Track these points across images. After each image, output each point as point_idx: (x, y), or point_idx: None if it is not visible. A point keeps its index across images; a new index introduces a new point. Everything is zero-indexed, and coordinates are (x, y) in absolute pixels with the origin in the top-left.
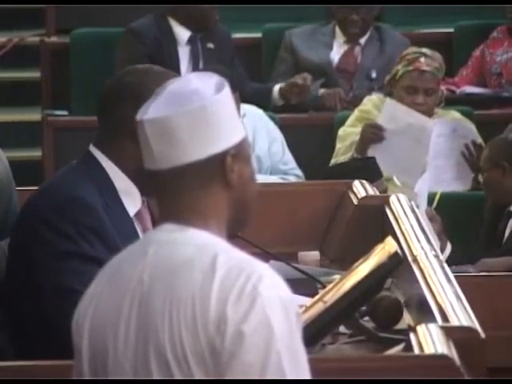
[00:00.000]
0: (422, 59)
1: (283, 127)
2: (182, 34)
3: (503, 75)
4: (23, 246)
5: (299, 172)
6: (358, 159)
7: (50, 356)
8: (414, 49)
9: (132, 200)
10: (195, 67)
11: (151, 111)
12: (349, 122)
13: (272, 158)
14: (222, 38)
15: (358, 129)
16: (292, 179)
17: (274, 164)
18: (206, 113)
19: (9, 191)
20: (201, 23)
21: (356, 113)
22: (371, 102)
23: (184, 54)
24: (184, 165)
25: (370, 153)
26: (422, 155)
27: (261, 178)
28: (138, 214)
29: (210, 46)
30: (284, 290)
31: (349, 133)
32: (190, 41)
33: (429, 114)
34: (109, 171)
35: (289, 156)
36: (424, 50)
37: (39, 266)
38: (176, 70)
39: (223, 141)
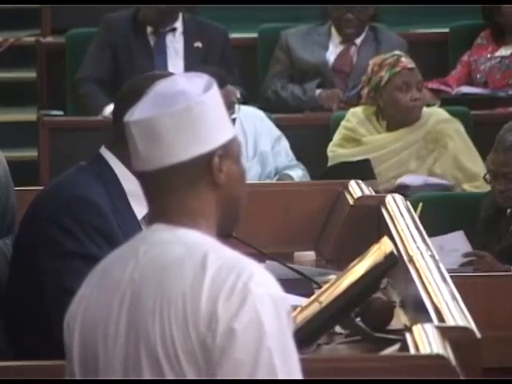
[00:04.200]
0: (403, 59)
1: (279, 127)
2: (149, 29)
3: (489, 84)
4: (29, 244)
5: (302, 166)
6: (352, 161)
7: (50, 356)
8: (387, 54)
9: (140, 203)
10: (160, 62)
11: (137, 113)
12: (336, 140)
13: (276, 158)
14: (214, 38)
15: (348, 150)
16: (297, 171)
17: (279, 163)
18: (192, 113)
19: (6, 192)
20: (157, 21)
21: (342, 130)
22: (356, 118)
23: (149, 47)
24: (170, 165)
25: None
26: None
27: (266, 181)
28: (146, 217)
29: (198, 44)
30: (275, 287)
31: (338, 155)
32: (155, 35)
33: (422, 108)
34: (118, 173)
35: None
36: (397, 51)
37: (43, 265)
38: (149, 65)
39: (210, 141)
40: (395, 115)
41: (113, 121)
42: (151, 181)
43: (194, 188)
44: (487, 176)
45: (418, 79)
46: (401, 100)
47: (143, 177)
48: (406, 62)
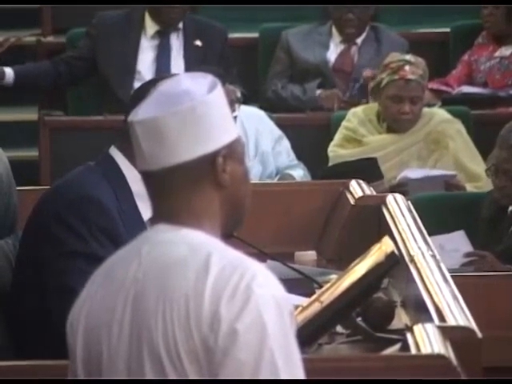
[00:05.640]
0: (407, 67)
1: (280, 127)
2: (150, 27)
3: (488, 84)
4: (34, 242)
5: (303, 166)
6: (360, 159)
7: (52, 356)
8: (397, 56)
9: (147, 204)
10: (163, 61)
11: (141, 112)
12: (336, 140)
13: (277, 158)
14: (213, 37)
15: (348, 150)
16: (298, 171)
17: (280, 163)
18: (196, 113)
19: (8, 191)
20: (161, 20)
21: (343, 130)
22: (356, 118)
23: (149, 46)
24: (174, 165)
25: None
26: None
27: (267, 181)
28: None
29: (198, 43)
30: (277, 288)
31: (339, 155)
32: (159, 35)
33: (415, 121)
34: (126, 174)
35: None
36: (408, 56)
37: (47, 264)
38: (131, 61)
39: (214, 141)
40: (386, 120)
41: (124, 122)
42: (155, 181)
43: (198, 188)
44: (488, 171)
45: (412, 94)
46: (389, 109)
47: (147, 177)
48: (409, 71)
